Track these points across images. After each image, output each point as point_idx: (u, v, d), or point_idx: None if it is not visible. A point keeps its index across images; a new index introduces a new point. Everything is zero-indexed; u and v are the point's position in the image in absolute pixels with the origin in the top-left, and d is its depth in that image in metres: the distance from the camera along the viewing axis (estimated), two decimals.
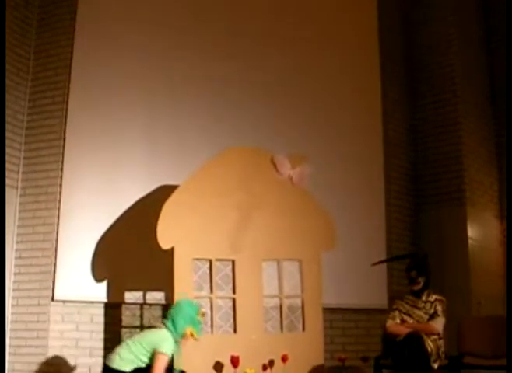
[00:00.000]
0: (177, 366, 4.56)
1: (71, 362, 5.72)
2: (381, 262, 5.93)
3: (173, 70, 6.41)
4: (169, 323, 4.46)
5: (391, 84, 7.35)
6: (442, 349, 5.09)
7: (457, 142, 7.22)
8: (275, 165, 5.52)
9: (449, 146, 7.24)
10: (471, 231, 6.98)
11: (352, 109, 6.89)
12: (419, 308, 5.22)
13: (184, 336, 4.46)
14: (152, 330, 4.53)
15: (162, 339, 4.36)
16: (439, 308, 5.15)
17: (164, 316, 4.54)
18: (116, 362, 4.30)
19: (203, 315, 4.67)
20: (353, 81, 6.97)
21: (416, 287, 5.22)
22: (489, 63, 7.87)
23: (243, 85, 6.55)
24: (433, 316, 5.15)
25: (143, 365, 4.34)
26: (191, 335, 4.47)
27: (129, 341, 4.45)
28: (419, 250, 6.65)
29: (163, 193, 5.49)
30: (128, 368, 4.29)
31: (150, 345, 4.34)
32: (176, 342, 4.44)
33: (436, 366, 4.95)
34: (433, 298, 5.21)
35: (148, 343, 4.36)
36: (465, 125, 7.29)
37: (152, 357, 4.31)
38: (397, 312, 5.26)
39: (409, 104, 7.58)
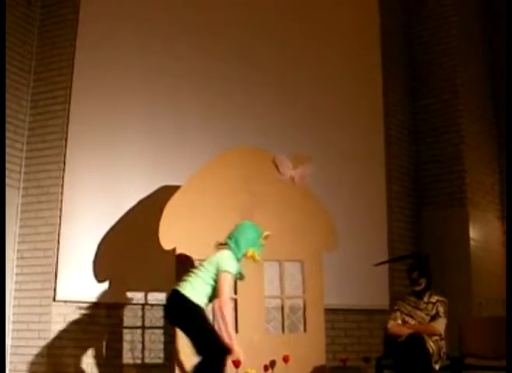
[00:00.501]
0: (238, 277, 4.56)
1: (72, 363, 5.74)
2: (383, 263, 5.93)
3: (175, 70, 6.40)
4: (231, 243, 4.49)
5: (392, 84, 7.35)
6: (443, 350, 5.08)
7: (458, 143, 7.22)
8: (276, 166, 5.52)
9: (450, 147, 7.25)
10: (473, 232, 6.98)
11: (353, 110, 6.89)
12: (420, 309, 5.21)
13: (245, 255, 4.51)
14: (215, 252, 4.52)
15: (224, 258, 4.40)
16: (440, 309, 5.15)
17: (228, 237, 4.55)
18: (188, 290, 4.31)
19: (266, 237, 4.66)
20: (355, 81, 6.97)
21: (418, 288, 5.22)
22: (490, 63, 7.87)
23: (245, 85, 6.55)
24: (434, 317, 5.14)
25: (209, 289, 4.35)
26: (252, 256, 4.52)
27: (195, 269, 4.47)
28: (420, 251, 6.64)
29: (164, 194, 5.50)
30: (200, 300, 4.31)
31: (214, 265, 4.38)
32: (238, 261, 4.47)
33: (437, 367, 4.95)
34: (434, 299, 5.21)
35: (211, 263, 4.40)
36: (467, 126, 7.29)
37: (217, 278, 4.35)
38: (398, 313, 5.26)
39: (411, 104, 7.58)
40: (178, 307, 4.37)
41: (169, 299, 4.47)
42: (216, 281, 4.37)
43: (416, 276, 5.21)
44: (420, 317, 5.18)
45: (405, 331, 5.05)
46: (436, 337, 5.06)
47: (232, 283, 4.55)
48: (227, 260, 4.42)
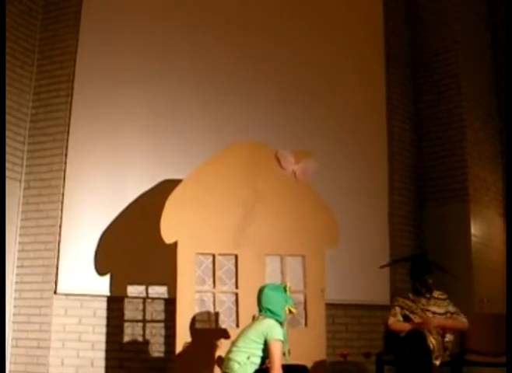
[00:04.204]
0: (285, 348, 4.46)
1: (74, 356, 5.74)
2: (387, 265, 5.92)
3: (178, 64, 6.40)
4: (267, 313, 4.41)
5: (395, 80, 7.33)
6: (449, 349, 5.07)
7: (461, 139, 7.20)
8: (278, 161, 5.51)
9: (453, 143, 7.23)
10: (475, 229, 6.96)
11: (356, 106, 6.88)
12: (420, 305, 5.20)
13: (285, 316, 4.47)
14: (255, 323, 4.45)
15: (270, 327, 4.32)
16: (452, 307, 5.14)
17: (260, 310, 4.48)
18: (236, 370, 4.26)
19: (290, 289, 4.58)
20: (358, 77, 6.96)
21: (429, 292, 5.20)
22: (494, 59, 7.85)
23: (249, 81, 6.54)
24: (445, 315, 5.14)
25: (258, 360, 4.32)
26: (291, 312, 4.49)
27: (236, 343, 4.37)
28: (418, 251, 6.56)
29: (166, 188, 5.49)
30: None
31: (261, 336, 4.31)
32: (282, 325, 4.42)
33: (437, 363, 4.93)
34: (436, 294, 5.21)
35: (257, 335, 4.32)
36: (469, 122, 7.27)
37: (266, 348, 4.30)
38: (398, 309, 5.23)
39: (414, 101, 7.56)
40: None
41: None
42: (263, 352, 4.32)
43: (431, 281, 5.15)
44: (420, 313, 5.16)
45: (406, 327, 5.03)
46: (438, 335, 5.03)
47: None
48: (274, 328, 4.33)
